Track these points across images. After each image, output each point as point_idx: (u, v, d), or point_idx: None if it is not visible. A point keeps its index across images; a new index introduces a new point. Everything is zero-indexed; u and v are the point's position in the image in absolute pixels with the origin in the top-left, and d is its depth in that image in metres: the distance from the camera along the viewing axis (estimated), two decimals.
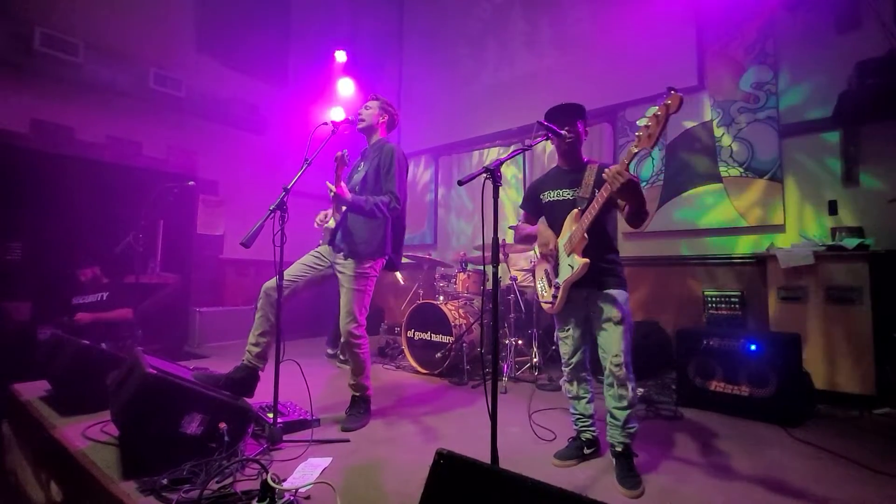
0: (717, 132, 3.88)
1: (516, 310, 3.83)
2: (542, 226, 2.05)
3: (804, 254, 2.91)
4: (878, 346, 2.71)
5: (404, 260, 4.69)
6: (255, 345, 2.27)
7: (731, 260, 3.74)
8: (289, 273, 2.30)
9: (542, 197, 2.09)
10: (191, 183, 4.00)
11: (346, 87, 5.94)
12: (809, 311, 2.92)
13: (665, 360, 3.55)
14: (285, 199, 2.05)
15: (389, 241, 2.46)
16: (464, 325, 3.61)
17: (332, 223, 2.45)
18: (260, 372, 2.29)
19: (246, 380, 2.23)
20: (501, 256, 4.01)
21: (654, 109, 1.59)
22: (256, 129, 5.51)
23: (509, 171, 5.11)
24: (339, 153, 2.18)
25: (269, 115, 5.59)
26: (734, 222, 3.74)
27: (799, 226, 3.49)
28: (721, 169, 3.84)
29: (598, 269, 1.90)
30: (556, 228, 2.02)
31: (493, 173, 1.56)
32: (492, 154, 5.25)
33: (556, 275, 1.95)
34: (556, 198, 2.03)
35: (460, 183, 1.51)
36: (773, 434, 2.42)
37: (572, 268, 1.87)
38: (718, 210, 3.82)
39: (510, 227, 4.04)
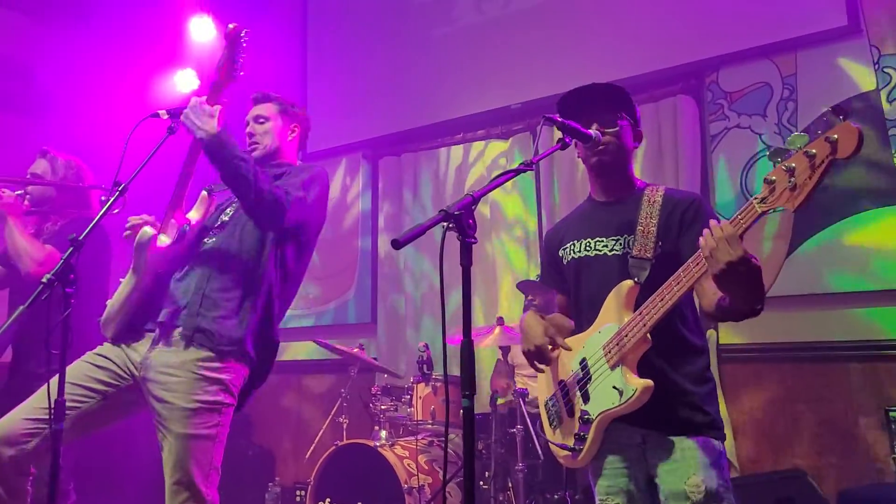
0: (889, 107, 3.85)
1: (528, 455, 3.71)
2: (531, 316, 2.18)
3: None
4: None
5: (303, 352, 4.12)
6: None
7: None
8: (38, 405, 2.26)
9: (561, 254, 2.19)
10: None
11: (201, 29, 5.76)
12: None
13: None
14: (73, 261, 2.01)
15: (275, 324, 2.52)
16: (428, 490, 3.59)
17: (128, 282, 2.42)
18: None
19: None
20: (499, 351, 4.05)
21: (799, 140, 1.57)
22: (19, 105, 5.30)
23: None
24: (233, 25, 2.38)
25: (51, 82, 5.35)
26: None
27: None
28: None
29: (669, 390, 1.93)
30: (590, 310, 2.07)
31: (460, 221, 1.55)
32: (478, 152, 5.32)
33: (586, 399, 1.98)
34: (584, 252, 2.11)
35: (397, 245, 1.53)
36: None
37: (620, 393, 1.88)
38: None
39: (519, 287, 4.34)
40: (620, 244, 2.03)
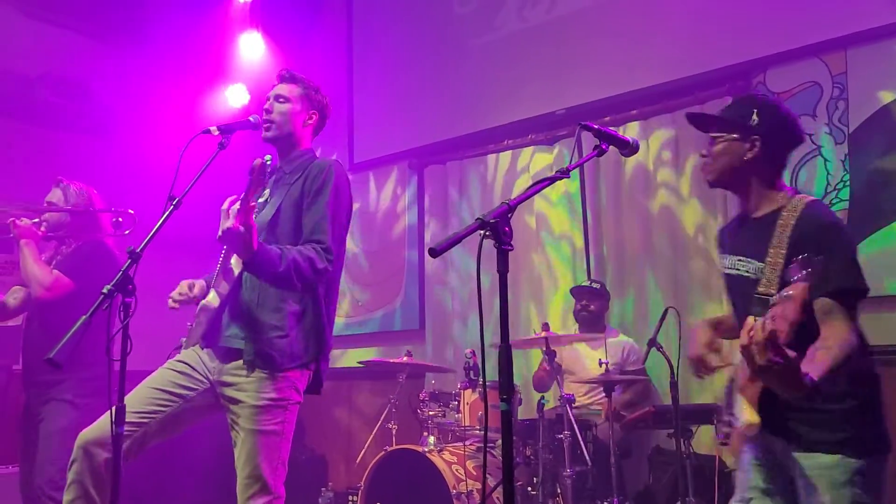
0: None
1: (576, 461, 3.69)
2: (701, 324, 2.25)
3: None
4: None
5: (353, 359, 4.84)
6: None
7: None
8: (130, 409, 2.23)
9: (720, 260, 2.25)
10: None
11: (251, 46, 5.90)
12: None
13: None
14: (131, 273, 2.07)
15: (327, 329, 2.58)
16: (477, 495, 3.57)
17: (213, 298, 2.48)
18: None
19: None
20: (544, 356, 4.02)
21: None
22: (80, 126, 5.38)
23: (556, 192, 5.05)
24: (259, 161, 2.23)
25: (108, 100, 5.47)
26: None
27: None
28: None
29: (802, 408, 1.87)
30: (740, 324, 2.10)
31: (496, 229, 1.57)
32: (524, 158, 5.35)
33: (735, 402, 2.04)
34: (730, 269, 2.14)
35: (434, 253, 1.58)
36: None
37: (738, 420, 1.96)
38: None
39: (572, 292, 4.48)
40: (754, 268, 2.02)
